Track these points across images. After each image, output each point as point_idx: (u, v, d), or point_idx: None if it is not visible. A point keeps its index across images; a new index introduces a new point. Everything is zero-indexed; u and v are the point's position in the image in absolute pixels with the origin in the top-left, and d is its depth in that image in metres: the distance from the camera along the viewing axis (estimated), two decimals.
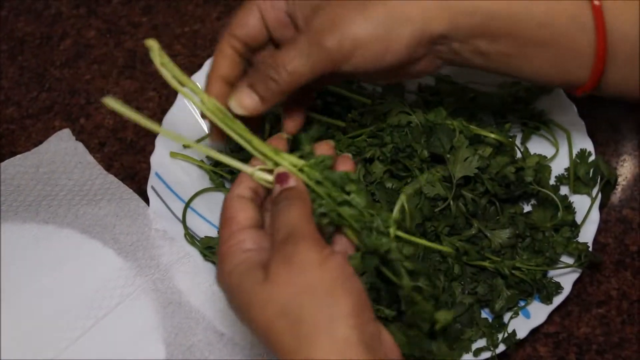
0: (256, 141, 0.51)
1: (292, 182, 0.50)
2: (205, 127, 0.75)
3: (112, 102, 0.45)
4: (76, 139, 0.77)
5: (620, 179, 0.74)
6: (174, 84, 0.49)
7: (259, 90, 0.52)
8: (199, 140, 0.74)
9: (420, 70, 0.55)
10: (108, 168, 0.74)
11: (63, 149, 0.73)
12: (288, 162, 0.51)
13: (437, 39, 0.51)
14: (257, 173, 0.51)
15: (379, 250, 0.49)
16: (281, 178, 0.50)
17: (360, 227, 0.50)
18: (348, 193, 0.51)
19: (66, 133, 0.77)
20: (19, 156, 0.75)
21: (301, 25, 0.52)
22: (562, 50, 0.51)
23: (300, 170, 0.51)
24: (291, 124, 0.57)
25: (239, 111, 0.52)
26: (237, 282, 0.47)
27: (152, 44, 0.49)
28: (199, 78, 0.76)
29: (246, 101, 0.52)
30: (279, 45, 0.56)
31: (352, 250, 0.51)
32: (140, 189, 0.73)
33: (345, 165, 0.53)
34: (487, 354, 0.62)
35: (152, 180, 0.70)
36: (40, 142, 0.77)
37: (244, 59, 0.56)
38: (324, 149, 0.53)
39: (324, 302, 0.44)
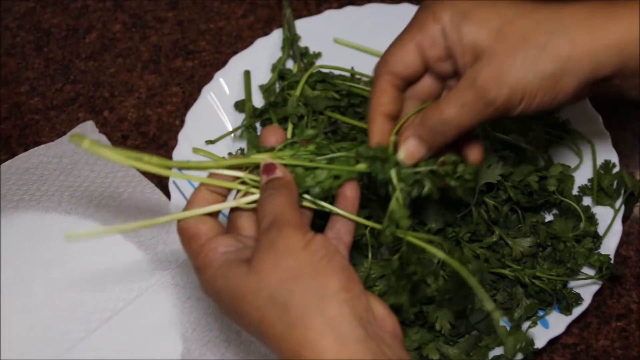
0: (223, 161, 0.51)
1: (278, 173, 0.50)
2: (228, 124, 0.76)
3: (80, 140, 0.44)
4: (99, 131, 0.78)
5: None
6: (120, 160, 0.46)
7: (427, 142, 0.53)
8: (220, 138, 0.74)
9: (572, 102, 0.55)
10: None
11: None
12: (263, 157, 0.51)
13: (601, 81, 0.52)
14: (241, 201, 0.51)
15: (385, 177, 0.52)
16: (268, 169, 0.50)
17: (368, 162, 0.52)
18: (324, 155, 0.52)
19: (90, 125, 0.77)
20: (42, 146, 0.75)
21: (461, 66, 0.52)
22: None
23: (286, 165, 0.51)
24: (474, 155, 0.57)
25: (408, 162, 0.53)
26: (223, 283, 0.47)
27: (80, 139, 0.44)
28: (223, 75, 0.77)
29: (416, 154, 0.53)
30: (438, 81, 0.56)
31: (347, 235, 0.51)
32: (161, 183, 0.73)
33: (277, 136, 0.53)
34: None
35: None
36: (64, 133, 0.77)
37: (402, 93, 0.55)
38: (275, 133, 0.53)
39: (311, 283, 0.44)
